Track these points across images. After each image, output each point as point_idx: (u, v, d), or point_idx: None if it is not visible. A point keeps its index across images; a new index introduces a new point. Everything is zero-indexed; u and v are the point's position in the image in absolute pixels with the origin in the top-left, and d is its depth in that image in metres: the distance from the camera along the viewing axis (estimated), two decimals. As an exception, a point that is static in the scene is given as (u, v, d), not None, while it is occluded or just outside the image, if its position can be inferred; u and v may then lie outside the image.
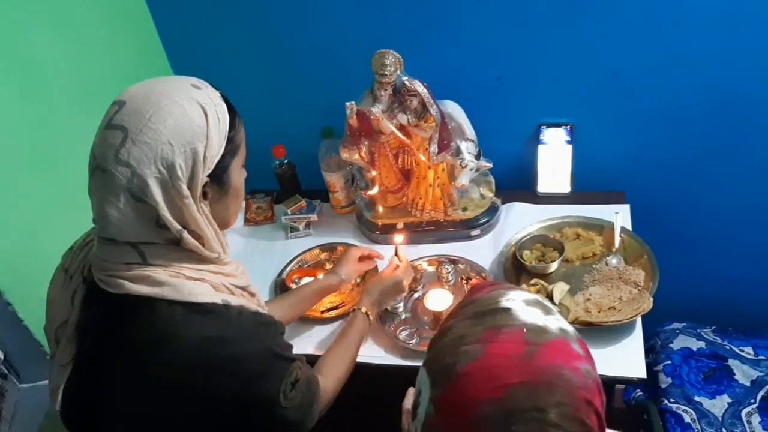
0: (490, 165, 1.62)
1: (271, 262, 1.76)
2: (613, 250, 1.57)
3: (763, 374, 1.60)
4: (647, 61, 1.58)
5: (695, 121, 1.65)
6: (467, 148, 1.58)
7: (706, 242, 1.89)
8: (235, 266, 1.04)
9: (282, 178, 1.93)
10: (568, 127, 1.72)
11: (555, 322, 0.68)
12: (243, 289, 1.03)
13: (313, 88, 1.85)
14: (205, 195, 0.94)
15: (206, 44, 1.84)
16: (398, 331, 1.50)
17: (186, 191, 0.89)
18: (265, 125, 1.93)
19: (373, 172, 1.69)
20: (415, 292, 1.59)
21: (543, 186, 1.80)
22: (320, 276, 1.65)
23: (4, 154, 1.32)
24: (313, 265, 1.74)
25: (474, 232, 1.71)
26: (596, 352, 1.31)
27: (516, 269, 1.58)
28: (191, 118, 0.89)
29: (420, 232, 1.73)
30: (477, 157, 1.60)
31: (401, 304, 1.56)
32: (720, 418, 1.54)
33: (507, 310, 0.68)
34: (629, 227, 1.63)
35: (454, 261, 1.64)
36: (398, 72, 1.48)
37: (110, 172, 0.86)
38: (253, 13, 1.73)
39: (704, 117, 1.63)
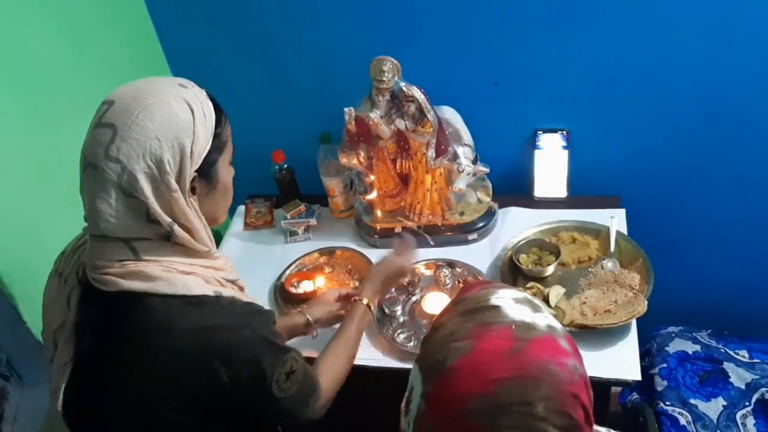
0: (487, 170, 1.64)
1: (271, 266, 1.77)
2: (609, 253, 1.58)
3: (757, 377, 1.62)
4: (642, 68, 1.59)
5: (689, 126, 1.66)
6: (464, 153, 1.60)
7: (701, 246, 1.90)
8: (225, 261, 1.06)
9: (281, 183, 1.95)
10: (564, 132, 1.74)
11: (543, 320, 0.69)
12: (233, 282, 1.05)
13: (312, 94, 1.87)
14: (193, 190, 0.96)
15: (207, 51, 1.86)
16: (396, 334, 1.51)
17: (174, 185, 0.91)
18: (264, 131, 1.96)
19: (372, 177, 1.71)
20: (413, 295, 1.61)
21: (539, 191, 1.82)
22: (319, 281, 1.68)
23: (9, 159, 1.34)
24: (312, 269, 1.75)
25: (471, 236, 1.72)
26: (592, 355, 1.35)
27: (513, 273, 1.59)
28: (177, 114, 0.91)
29: (418, 236, 1.74)
30: (474, 162, 1.61)
31: (399, 308, 1.57)
32: (715, 421, 1.55)
33: (496, 307, 0.70)
34: (625, 231, 1.65)
35: (451, 264, 1.65)
36: (396, 78, 1.50)
37: (101, 168, 0.89)
38: (253, 20, 1.75)
39: (698, 122, 1.65)
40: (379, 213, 1.77)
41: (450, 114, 1.64)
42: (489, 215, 1.74)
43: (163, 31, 1.85)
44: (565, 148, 1.74)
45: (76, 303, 0.98)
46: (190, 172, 0.93)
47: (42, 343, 1.37)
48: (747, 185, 1.73)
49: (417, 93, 1.49)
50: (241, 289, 1.09)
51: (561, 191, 1.80)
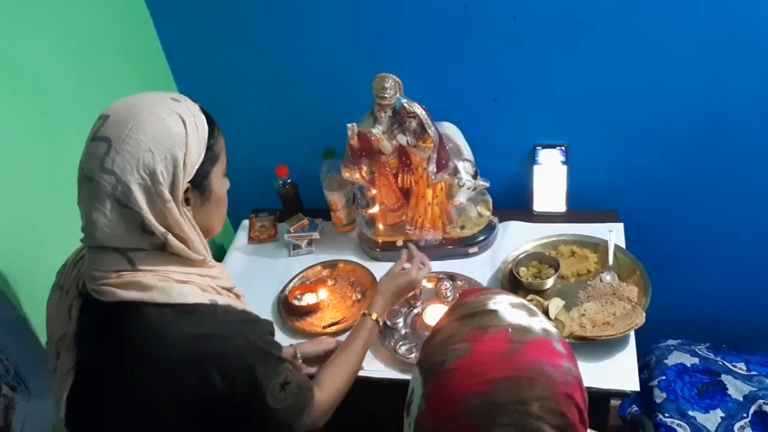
0: (487, 184, 1.66)
1: (274, 279, 1.80)
2: (607, 267, 1.60)
3: (755, 389, 1.63)
4: (638, 85, 1.63)
5: (685, 142, 1.69)
6: (465, 168, 1.63)
7: (699, 260, 1.92)
8: (220, 269, 1.08)
9: (285, 198, 1.98)
10: (563, 148, 1.77)
11: (539, 323, 0.72)
12: (229, 290, 1.07)
13: (315, 110, 1.90)
14: (187, 201, 0.99)
15: (212, 69, 1.90)
16: (398, 346, 1.53)
17: (168, 195, 0.94)
18: (269, 146, 1.99)
19: (374, 191, 1.74)
20: (415, 307, 1.62)
21: (539, 205, 1.84)
22: (321, 294, 1.70)
23: (19, 172, 1.37)
24: (315, 282, 1.78)
25: (472, 250, 1.75)
26: (591, 366, 1.37)
27: (513, 285, 1.62)
28: (170, 127, 0.94)
29: (419, 250, 1.76)
30: (474, 177, 1.64)
31: (401, 320, 1.59)
32: (713, 432, 1.57)
33: (494, 311, 0.73)
34: (623, 245, 1.67)
35: (452, 277, 1.67)
36: (398, 95, 1.53)
37: (96, 180, 0.92)
38: (258, 39, 1.79)
39: (693, 138, 1.68)
40: (380, 226, 1.80)
41: (450, 130, 1.67)
42: (489, 229, 1.77)
43: (170, 47, 1.89)
44: (563, 163, 1.76)
45: (77, 314, 1.00)
46: (183, 183, 0.96)
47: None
48: (742, 199, 1.76)
49: (418, 109, 1.53)
50: (238, 297, 1.10)
51: (560, 206, 1.83)
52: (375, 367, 1.49)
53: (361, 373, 1.44)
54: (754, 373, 1.69)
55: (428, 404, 0.70)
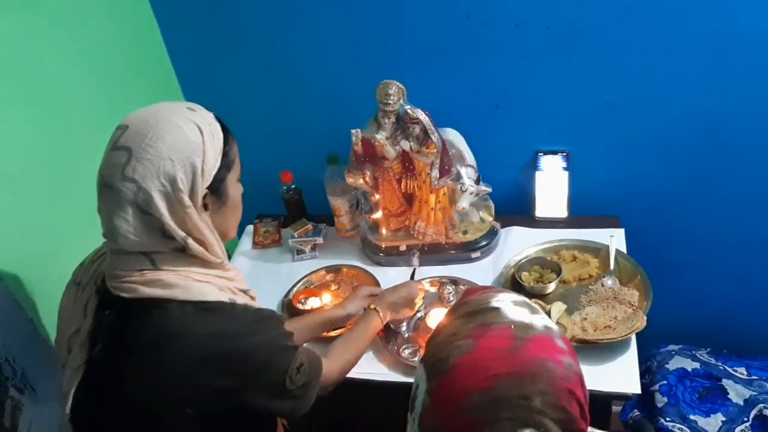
0: (489, 189, 1.68)
1: (279, 283, 1.81)
2: (609, 271, 1.62)
3: (755, 393, 1.64)
4: (638, 92, 1.64)
5: (685, 148, 1.71)
6: (467, 174, 1.65)
7: (700, 266, 1.93)
8: (236, 272, 1.12)
9: (289, 203, 2.00)
10: (564, 154, 1.78)
11: (540, 321, 0.74)
12: (244, 292, 1.10)
13: (319, 117, 1.92)
14: (205, 206, 1.02)
15: (218, 77, 1.92)
16: (401, 350, 1.54)
17: (188, 201, 0.96)
18: (273, 152, 2.01)
19: (377, 196, 1.75)
20: (418, 311, 1.64)
21: (540, 211, 1.86)
22: (325, 298, 1.71)
23: (29, 179, 1.39)
24: (319, 286, 1.79)
25: (474, 255, 1.76)
26: (592, 370, 1.38)
27: (515, 290, 1.60)
28: (188, 135, 0.97)
29: (422, 254, 1.78)
30: (476, 182, 1.66)
31: (404, 324, 1.60)
32: (714, 436, 1.58)
33: (496, 309, 0.74)
34: (624, 250, 1.68)
35: (455, 282, 1.69)
36: (401, 101, 1.56)
37: (117, 188, 0.94)
38: (263, 47, 1.82)
39: (693, 145, 1.69)
40: (384, 231, 1.81)
41: (453, 135, 1.70)
42: (491, 234, 1.78)
43: (177, 56, 1.91)
44: (565, 169, 1.78)
45: (93, 310, 1.03)
46: (202, 189, 0.99)
47: (57, 360, 1.42)
48: (742, 206, 1.77)
49: (421, 115, 1.55)
50: (252, 299, 1.13)
51: (561, 211, 1.85)
52: (378, 370, 1.51)
53: (365, 376, 1.46)
54: (755, 377, 1.70)
55: (432, 400, 0.71)
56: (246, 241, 2.01)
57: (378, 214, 1.80)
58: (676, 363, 1.78)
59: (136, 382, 0.98)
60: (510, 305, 0.75)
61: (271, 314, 1.11)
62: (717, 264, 1.92)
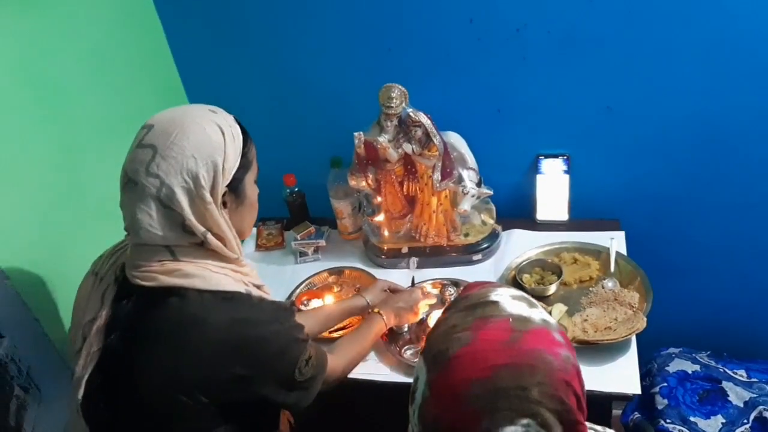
0: (491, 192, 1.69)
1: (282, 285, 1.82)
2: (609, 273, 1.63)
3: (755, 396, 1.65)
4: (638, 96, 1.66)
5: (685, 152, 1.72)
6: (469, 176, 1.66)
7: (700, 270, 1.94)
8: (251, 268, 1.16)
9: (292, 206, 2.02)
10: (565, 157, 1.80)
11: (538, 314, 0.75)
12: (258, 287, 1.14)
13: (323, 120, 1.94)
14: (224, 204, 1.06)
15: (221, 81, 1.94)
16: (403, 350, 1.55)
17: (209, 198, 1.01)
18: (277, 155, 2.01)
19: (379, 199, 1.77)
20: (422, 317, 1.64)
21: (542, 214, 1.87)
22: (328, 300, 1.73)
23: (34, 179, 1.40)
24: (322, 288, 1.80)
25: (476, 257, 1.77)
26: (593, 370, 1.39)
27: (516, 291, 1.64)
28: (210, 135, 1.01)
29: (424, 257, 1.79)
30: (478, 185, 1.68)
31: (406, 325, 1.61)
32: (715, 438, 1.58)
33: (495, 302, 0.76)
34: (624, 253, 1.69)
35: (456, 284, 1.69)
36: (403, 104, 1.57)
37: (141, 184, 0.98)
38: (266, 51, 1.84)
39: (693, 148, 1.71)
40: (386, 234, 1.82)
41: (455, 139, 1.71)
42: (493, 236, 1.79)
43: (181, 61, 1.93)
44: (566, 172, 1.79)
45: (111, 300, 1.06)
46: (222, 186, 1.03)
47: (63, 359, 1.43)
48: (742, 209, 1.78)
49: (423, 118, 1.56)
50: (267, 294, 1.16)
51: (562, 214, 1.86)
52: (381, 371, 1.51)
53: (367, 377, 1.47)
54: (755, 380, 1.71)
55: (432, 391, 0.72)
56: (249, 244, 2.02)
57: (380, 217, 1.81)
58: (676, 365, 1.78)
59: (151, 369, 1.01)
60: (508, 299, 0.77)
61: (286, 306, 1.15)
62: (717, 267, 1.92)
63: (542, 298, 1.61)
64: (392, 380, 1.50)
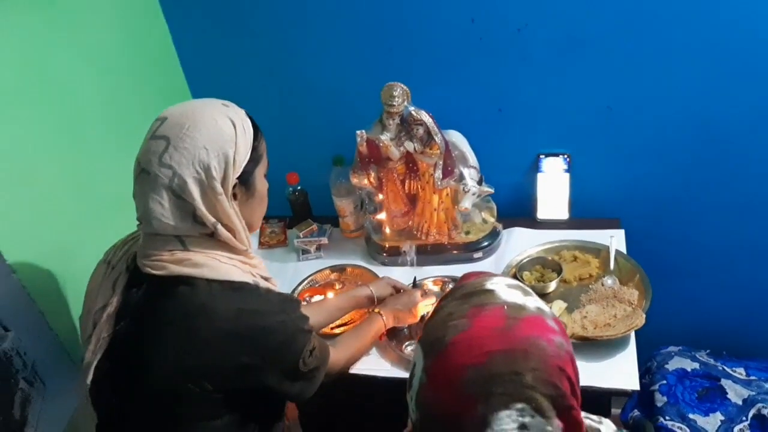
0: (492, 190, 1.71)
1: (284, 282, 1.83)
2: (609, 271, 1.64)
3: (754, 393, 1.65)
4: (639, 96, 1.67)
5: (685, 151, 1.73)
6: (470, 175, 1.67)
7: (700, 269, 1.95)
8: (259, 261, 1.18)
9: (295, 204, 2.03)
10: (566, 156, 1.81)
11: (533, 302, 0.77)
12: (266, 280, 1.16)
13: (325, 119, 1.96)
14: (234, 196, 1.08)
15: (225, 79, 1.96)
16: (404, 346, 1.56)
17: (220, 189, 1.03)
18: (279, 154, 2.01)
19: (381, 197, 1.78)
20: (422, 319, 1.65)
21: (542, 213, 1.89)
22: (330, 297, 1.74)
23: (40, 175, 1.42)
24: (324, 285, 1.82)
25: (476, 255, 1.79)
26: (592, 366, 1.40)
27: (516, 289, 1.65)
28: (221, 128, 1.03)
29: (425, 254, 1.81)
30: (479, 183, 1.69)
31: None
32: (713, 435, 1.59)
33: (491, 291, 0.78)
34: (624, 251, 1.70)
35: (457, 281, 1.71)
36: (405, 103, 1.58)
37: (154, 174, 1.00)
38: (269, 50, 1.86)
39: (693, 148, 1.72)
40: (387, 231, 1.84)
41: (456, 137, 1.73)
42: (494, 234, 1.81)
43: (186, 59, 1.95)
44: (566, 171, 1.81)
45: (122, 288, 1.08)
46: (233, 178, 1.05)
47: (68, 353, 1.45)
48: (741, 210, 1.79)
49: (425, 117, 1.57)
50: (274, 286, 1.19)
51: (563, 213, 1.87)
52: (381, 367, 1.53)
53: (368, 372, 1.49)
54: (754, 378, 1.71)
55: (429, 377, 0.74)
56: (252, 241, 2.03)
57: (382, 215, 1.82)
58: (675, 363, 1.79)
59: (159, 356, 1.03)
60: (504, 287, 0.78)
61: (292, 297, 1.19)
62: (717, 267, 1.93)
63: (542, 295, 1.61)
64: (393, 375, 1.51)
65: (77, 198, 1.52)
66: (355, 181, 1.74)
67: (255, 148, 1.11)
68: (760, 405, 1.61)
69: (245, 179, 1.10)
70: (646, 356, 1.84)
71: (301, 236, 1.93)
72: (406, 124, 1.61)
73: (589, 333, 1.45)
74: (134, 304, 1.06)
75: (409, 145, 1.63)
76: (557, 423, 0.69)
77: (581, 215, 1.87)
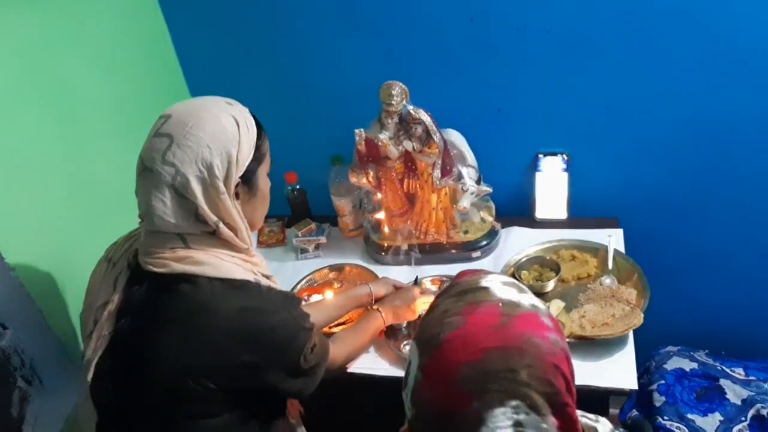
0: (490, 190, 1.71)
1: (283, 281, 1.80)
2: (607, 270, 1.64)
3: (753, 393, 1.65)
4: (637, 96, 1.67)
5: (684, 151, 1.73)
6: (468, 174, 1.67)
7: (698, 269, 1.95)
8: (261, 259, 1.18)
9: (294, 204, 2.03)
10: (564, 156, 1.81)
11: (528, 299, 0.76)
12: (267, 278, 1.16)
13: (324, 118, 1.96)
14: (237, 195, 1.08)
15: (224, 78, 1.96)
16: (402, 346, 1.56)
17: (222, 188, 1.02)
18: (278, 153, 2.02)
19: (380, 196, 1.78)
20: (421, 316, 1.66)
21: (541, 212, 1.89)
22: (328, 296, 1.74)
23: (39, 174, 1.42)
24: (322, 284, 1.82)
25: (475, 254, 1.78)
26: (590, 365, 1.40)
27: (514, 288, 1.65)
28: (225, 126, 1.03)
29: (423, 254, 1.80)
30: (477, 182, 1.69)
31: (404, 323, 1.62)
32: (712, 435, 1.59)
33: (486, 288, 0.77)
34: (622, 251, 1.70)
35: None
36: (404, 102, 1.58)
37: (157, 171, 1.00)
38: (268, 49, 1.86)
39: (692, 147, 1.72)
40: (386, 230, 1.83)
41: (455, 136, 1.72)
42: (492, 234, 1.81)
43: (185, 58, 1.95)
44: (565, 171, 1.81)
45: (123, 285, 1.08)
46: (235, 177, 1.05)
47: (66, 351, 1.45)
48: (740, 209, 1.79)
49: (424, 116, 1.58)
50: (274, 284, 1.19)
51: (561, 213, 1.87)
52: (380, 366, 1.53)
53: (367, 371, 1.49)
54: (753, 378, 1.71)
55: (424, 374, 0.74)
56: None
57: (380, 214, 1.82)
58: (674, 363, 1.79)
59: (160, 354, 1.02)
60: (499, 285, 0.78)
61: (293, 295, 1.19)
62: (716, 267, 1.93)
63: (540, 294, 1.62)
64: (391, 374, 1.51)
65: (76, 197, 1.52)
66: (353, 179, 1.74)
67: (258, 147, 1.11)
68: (759, 405, 1.61)
69: (248, 178, 1.10)
70: (644, 356, 1.84)
71: (300, 235, 1.93)
72: (405, 123, 1.61)
73: (588, 332, 1.45)
74: (135, 301, 1.06)
75: (408, 144, 1.63)
76: (552, 420, 0.69)
77: (580, 215, 1.87)
